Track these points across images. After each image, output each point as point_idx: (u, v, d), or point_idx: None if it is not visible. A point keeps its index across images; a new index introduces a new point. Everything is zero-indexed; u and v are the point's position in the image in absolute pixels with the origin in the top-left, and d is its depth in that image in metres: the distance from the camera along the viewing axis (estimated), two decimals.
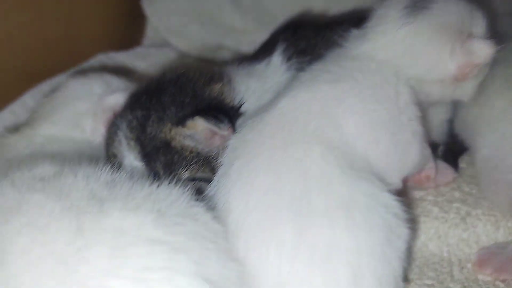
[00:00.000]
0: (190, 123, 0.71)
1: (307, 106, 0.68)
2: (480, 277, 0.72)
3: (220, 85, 0.80)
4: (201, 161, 0.72)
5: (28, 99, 1.02)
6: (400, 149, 0.70)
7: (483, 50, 0.72)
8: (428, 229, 0.78)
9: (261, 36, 1.06)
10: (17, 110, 1.00)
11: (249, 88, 0.85)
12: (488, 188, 0.80)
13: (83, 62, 1.18)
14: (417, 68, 0.74)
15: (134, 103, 0.77)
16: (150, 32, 1.39)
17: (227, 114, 0.72)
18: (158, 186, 0.55)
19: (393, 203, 0.62)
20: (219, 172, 0.67)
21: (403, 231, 0.62)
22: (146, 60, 1.24)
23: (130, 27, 1.37)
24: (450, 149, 0.93)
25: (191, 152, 0.72)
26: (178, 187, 0.55)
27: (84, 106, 0.83)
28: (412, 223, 0.65)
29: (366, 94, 0.69)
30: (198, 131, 0.72)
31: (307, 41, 0.92)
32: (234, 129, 0.71)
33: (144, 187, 0.55)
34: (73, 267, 0.46)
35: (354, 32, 0.80)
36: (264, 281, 0.57)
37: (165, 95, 0.75)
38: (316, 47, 0.91)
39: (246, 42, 1.25)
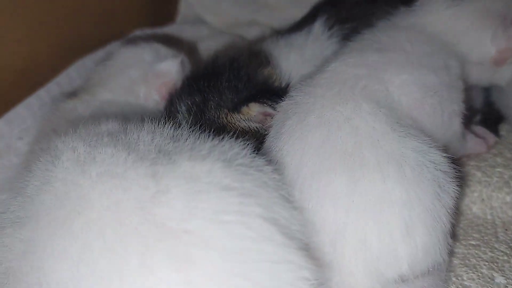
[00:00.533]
0: (245, 109, 0.76)
1: (356, 69, 0.70)
2: None
3: (269, 68, 0.84)
4: (252, 137, 0.76)
5: (72, 72, 1.06)
6: (446, 114, 0.72)
7: None
8: (472, 192, 0.79)
9: (294, 13, 1.06)
10: (62, 81, 1.04)
11: (289, 61, 0.87)
12: None
13: (120, 39, 1.21)
14: (460, 47, 0.76)
15: (192, 87, 0.81)
16: (184, 9, 1.41)
17: (278, 95, 0.76)
18: (221, 139, 0.57)
19: (441, 160, 0.64)
20: (271, 133, 0.70)
21: (451, 187, 0.63)
22: (180, 36, 1.26)
23: (163, 4, 1.39)
24: (489, 118, 0.94)
25: (243, 132, 0.76)
26: (239, 141, 0.57)
27: (136, 73, 0.87)
28: (461, 181, 0.66)
29: (413, 60, 0.71)
30: (252, 116, 0.76)
31: (348, 10, 0.93)
32: None
33: (208, 140, 0.57)
34: (151, 210, 0.48)
35: (402, 9, 0.81)
36: (321, 229, 0.59)
37: (221, 81, 0.79)
38: (358, 17, 0.92)
39: (279, 19, 1.26)
